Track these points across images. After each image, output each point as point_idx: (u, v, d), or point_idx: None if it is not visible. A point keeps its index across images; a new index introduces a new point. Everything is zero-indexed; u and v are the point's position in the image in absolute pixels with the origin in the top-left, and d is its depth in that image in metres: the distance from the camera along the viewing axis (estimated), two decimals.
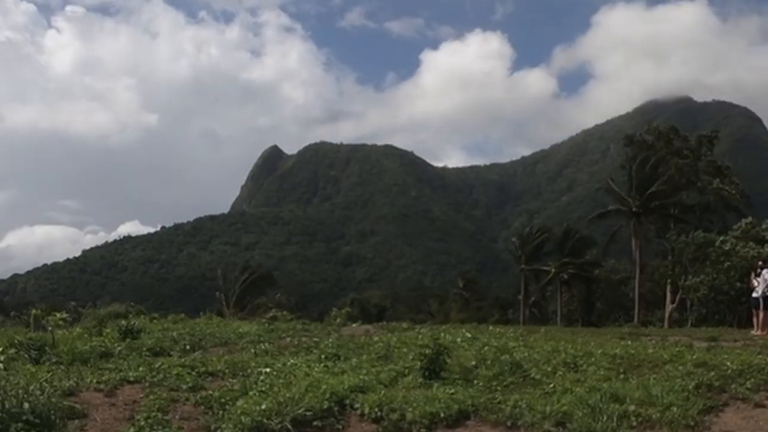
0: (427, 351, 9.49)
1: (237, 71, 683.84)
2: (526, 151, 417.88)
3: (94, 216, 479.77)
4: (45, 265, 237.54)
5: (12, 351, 9.80)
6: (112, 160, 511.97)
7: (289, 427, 7.17)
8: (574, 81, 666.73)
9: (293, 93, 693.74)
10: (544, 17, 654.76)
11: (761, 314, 18.07)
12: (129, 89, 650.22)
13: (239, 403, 7.70)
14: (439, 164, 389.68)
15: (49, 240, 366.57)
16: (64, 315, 11.06)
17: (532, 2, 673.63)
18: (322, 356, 11.10)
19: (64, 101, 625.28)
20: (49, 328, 10.55)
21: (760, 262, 19.72)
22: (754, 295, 18.57)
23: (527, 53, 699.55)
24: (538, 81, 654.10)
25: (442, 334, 14.43)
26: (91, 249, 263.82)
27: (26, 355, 9.67)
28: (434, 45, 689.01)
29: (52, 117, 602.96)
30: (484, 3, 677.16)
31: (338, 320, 21.96)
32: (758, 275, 18.66)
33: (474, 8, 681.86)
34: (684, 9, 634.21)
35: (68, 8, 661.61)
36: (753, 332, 17.91)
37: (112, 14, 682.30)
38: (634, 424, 7.27)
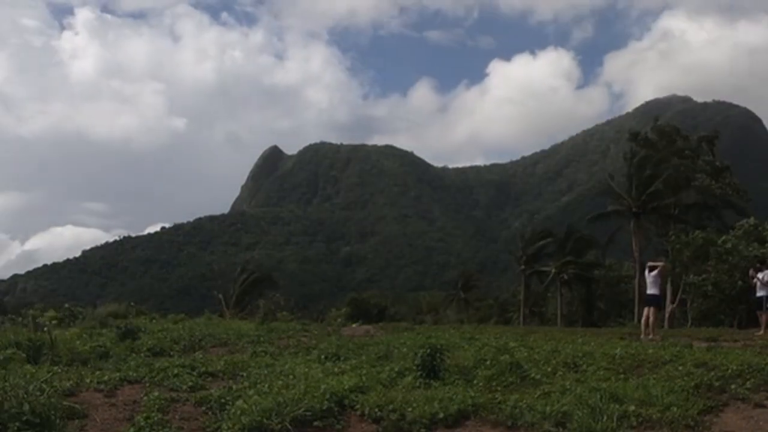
0: (422, 351, 9.51)
1: (261, 75, 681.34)
2: (527, 151, 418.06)
3: (121, 219, 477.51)
4: (45, 266, 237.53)
5: (11, 351, 9.80)
6: (138, 162, 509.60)
7: (289, 427, 7.16)
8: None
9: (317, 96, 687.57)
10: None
11: (764, 315, 18.07)
12: (156, 93, 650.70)
13: (239, 403, 7.70)
14: (439, 164, 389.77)
15: (76, 243, 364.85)
16: (55, 313, 11.04)
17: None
18: (322, 356, 11.12)
19: (89, 104, 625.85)
20: (45, 329, 10.54)
21: (758, 264, 19.61)
22: (758, 294, 18.55)
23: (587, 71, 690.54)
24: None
25: (441, 334, 14.45)
26: (91, 249, 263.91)
27: (25, 356, 9.67)
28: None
29: (76, 120, 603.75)
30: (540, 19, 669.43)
31: (338, 320, 22.00)
32: (756, 274, 18.62)
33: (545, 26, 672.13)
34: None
35: (94, 12, 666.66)
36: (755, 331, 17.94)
37: (136, 17, 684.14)
38: (634, 424, 7.27)
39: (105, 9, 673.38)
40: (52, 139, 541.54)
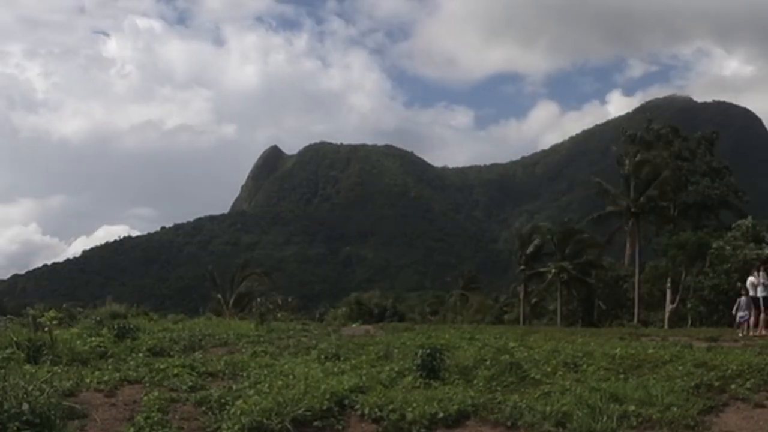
0: (422, 351, 9.51)
1: (304, 80, 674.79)
2: (527, 152, 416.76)
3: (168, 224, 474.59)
4: (45, 266, 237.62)
5: (10, 351, 9.80)
6: (183, 167, 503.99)
7: (289, 427, 7.16)
8: None
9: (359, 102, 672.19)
10: None
11: (762, 315, 18.13)
12: (205, 99, 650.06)
13: (239, 403, 7.69)
14: (439, 164, 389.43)
15: None
16: (54, 314, 11.00)
17: None
18: (322, 356, 11.10)
19: (134, 109, 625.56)
20: (46, 329, 10.52)
21: (760, 267, 19.64)
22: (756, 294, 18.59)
23: None
24: None
25: (441, 334, 14.44)
26: (92, 249, 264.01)
27: (25, 356, 9.66)
28: None
29: (122, 125, 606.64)
30: None
31: (338, 320, 22.01)
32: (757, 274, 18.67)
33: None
34: None
35: (135, 18, 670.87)
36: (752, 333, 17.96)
37: (174, 23, 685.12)
38: (634, 424, 7.26)
39: (160, 17, 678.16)
40: (96, 144, 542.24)
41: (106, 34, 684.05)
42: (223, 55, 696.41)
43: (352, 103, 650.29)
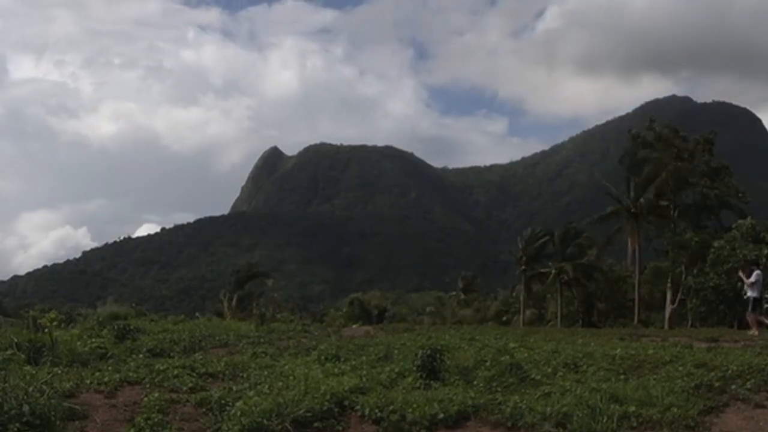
0: (422, 352, 9.51)
1: (343, 87, 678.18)
2: (526, 152, 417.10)
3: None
4: (45, 267, 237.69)
5: (11, 352, 9.80)
6: (221, 173, 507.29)
7: (290, 428, 7.17)
8: None
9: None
10: None
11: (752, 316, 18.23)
12: (246, 107, 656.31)
13: (239, 404, 7.70)
14: (438, 165, 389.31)
15: None
16: (54, 315, 11.02)
17: None
18: (322, 357, 11.10)
19: (174, 115, 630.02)
20: (46, 330, 10.53)
21: (751, 266, 19.69)
22: (747, 295, 18.66)
23: None
24: None
25: (441, 335, 14.44)
26: (92, 250, 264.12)
27: (25, 357, 9.67)
28: None
29: (161, 131, 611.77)
30: None
31: (338, 321, 22.00)
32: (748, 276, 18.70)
33: None
34: None
35: (198, 30, 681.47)
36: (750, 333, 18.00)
37: (238, 36, 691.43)
38: (635, 424, 7.26)
39: (223, 30, 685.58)
40: (135, 149, 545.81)
41: (168, 45, 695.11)
42: (266, 65, 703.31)
43: (387, 108, 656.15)
